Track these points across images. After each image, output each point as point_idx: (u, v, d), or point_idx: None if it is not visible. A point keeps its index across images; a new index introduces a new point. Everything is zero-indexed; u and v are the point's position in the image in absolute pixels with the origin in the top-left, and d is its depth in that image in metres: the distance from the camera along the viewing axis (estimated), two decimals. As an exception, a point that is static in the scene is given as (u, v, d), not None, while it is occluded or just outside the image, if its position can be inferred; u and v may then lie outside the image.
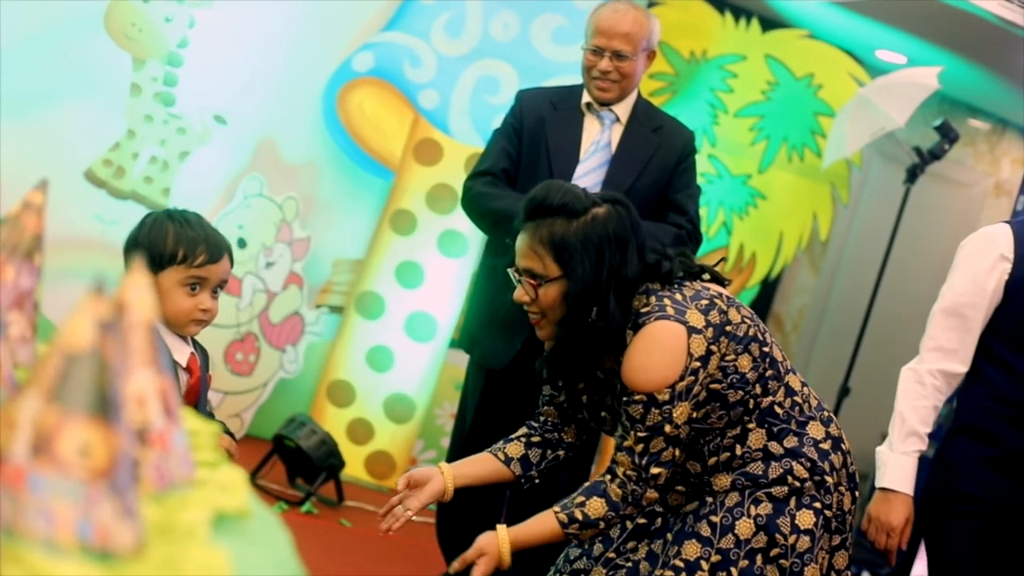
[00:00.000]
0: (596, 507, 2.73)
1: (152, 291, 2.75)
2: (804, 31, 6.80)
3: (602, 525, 2.75)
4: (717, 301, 2.74)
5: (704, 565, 2.75)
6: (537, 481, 3.08)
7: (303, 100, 6.08)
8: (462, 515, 4.41)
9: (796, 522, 2.76)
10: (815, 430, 2.83)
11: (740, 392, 2.74)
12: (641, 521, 2.96)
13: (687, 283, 2.78)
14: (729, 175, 6.75)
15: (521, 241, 2.77)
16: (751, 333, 2.76)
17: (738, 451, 2.78)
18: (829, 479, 2.81)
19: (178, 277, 2.76)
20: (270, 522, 1.26)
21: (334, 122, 6.06)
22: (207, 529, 1.10)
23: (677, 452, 2.70)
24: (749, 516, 2.77)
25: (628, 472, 2.70)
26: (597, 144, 4.17)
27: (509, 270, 2.85)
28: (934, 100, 7.13)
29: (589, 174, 4.12)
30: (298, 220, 5.99)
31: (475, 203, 4.20)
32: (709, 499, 2.82)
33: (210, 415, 2.98)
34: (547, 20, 6.19)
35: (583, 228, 2.70)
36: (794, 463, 2.78)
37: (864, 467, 7.54)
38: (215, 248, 2.81)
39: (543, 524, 2.79)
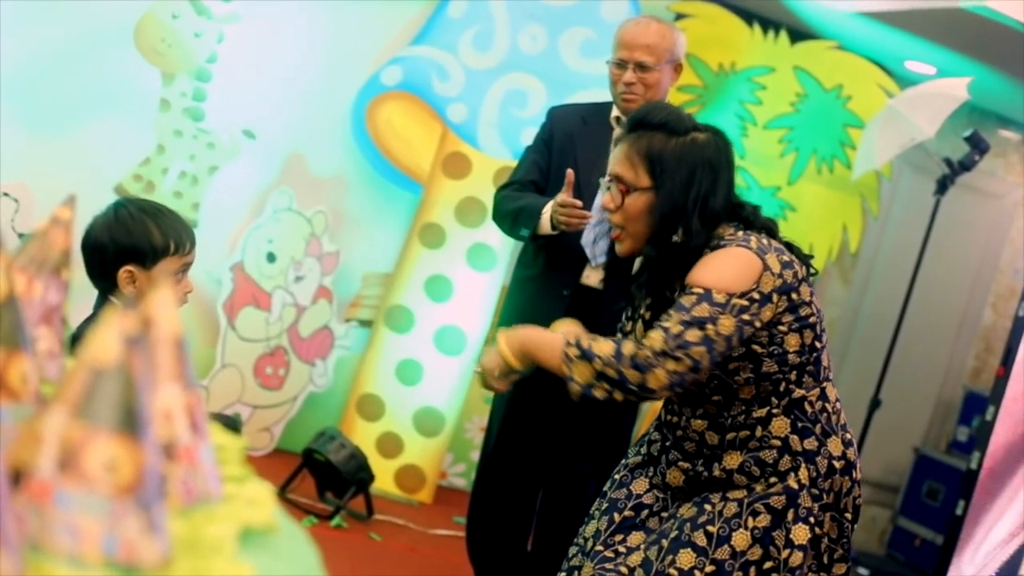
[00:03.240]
0: (603, 347, 2.68)
1: (147, 286, 2.78)
2: (833, 42, 6.78)
3: (597, 365, 2.66)
4: (795, 267, 2.76)
5: (698, 575, 2.74)
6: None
7: (332, 114, 6.09)
8: (492, 529, 4.41)
9: (791, 536, 2.75)
10: (835, 446, 2.81)
11: (775, 366, 2.73)
12: (628, 514, 2.94)
13: (774, 239, 2.81)
14: (758, 187, 6.73)
15: (618, 150, 2.82)
16: (811, 321, 2.76)
17: (758, 433, 2.77)
18: (827, 498, 2.80)
19: (171, 268, 2.80)
20: (297, 537, 1.25)
21: (363, 136, 6.08)
22: (234, 544, 1.09)
23: (709, 359, 2.64)
24: (746, 528, 2.75)
25: (653, 343, 2.63)
26: (625, 157, 4.18)
27: (601, 180, 2.88)
28: (964, 111, 7.09)
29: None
30: (327, 234, 6.00)
31: (497, 208, 4.25)
32: (708, 507, 2.80)
33: None
34: (575, 33, 6.19)
35: (680, 147, 2.75)
36: (804, 464, 2.77)
37: (895, 480, 7.53)
38: (192, 233, 2.88)
39: (550, 337, 2.82)
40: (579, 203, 3.76)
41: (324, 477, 5.40)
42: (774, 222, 2.88)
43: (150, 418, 1.03)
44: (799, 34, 6.81)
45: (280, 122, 6.02)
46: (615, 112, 4.24)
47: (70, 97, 5.66)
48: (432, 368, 6.05)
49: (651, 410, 6.10)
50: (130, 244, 2.77)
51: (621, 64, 4.14)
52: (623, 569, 2.85)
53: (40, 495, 0.97)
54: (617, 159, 2.81)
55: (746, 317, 2.66)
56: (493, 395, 4.48)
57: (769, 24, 6.76)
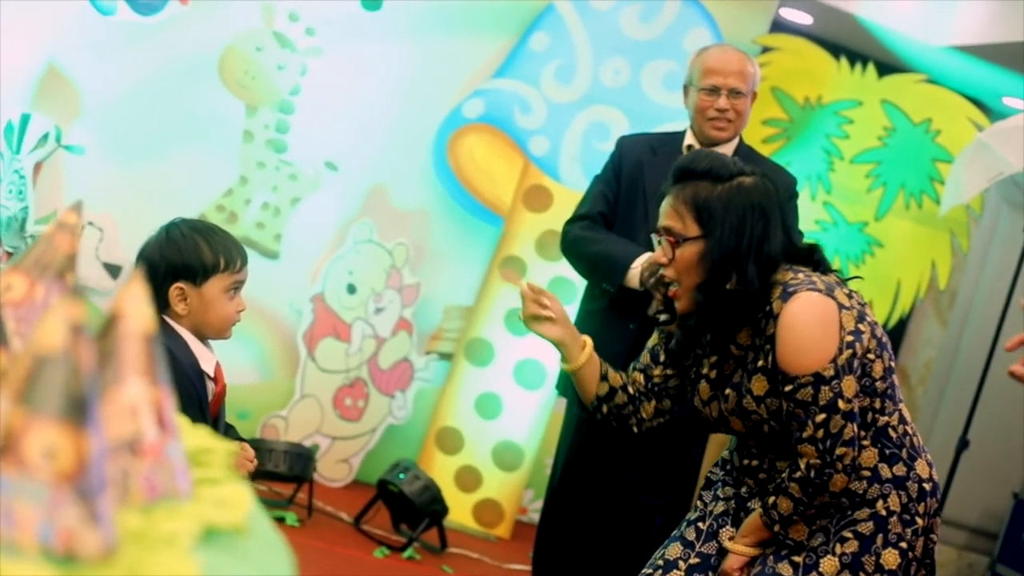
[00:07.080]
0: (785, 505, 2.73)
1: (198, 303, 2.81)
2: (922, 76, 6.66)
3: (796, 519, 2.75)
4: (855, 295, 2.76)
5: None
6: (597, 417, 3.04)
7: (414, 147, 6.11)
8: (558, 563, 4.36)
9: (881, 561, 2.72)
10: (922, 468, 2.80)
11: (867, 399, 2.72)
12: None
13: (830, 273, 2.80)
14: (845, 222, 6.63)
15: (665, 203, 2.80)
16: (884, 340, 2.77)
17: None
18: (919, 521, 2.76)
19: (222, 285, 2.85)
20: (271, 542, 1.23)
21: (444, 169, 6.09)
22: (191, 540, 1.07)
23: (856, 428, 2.67)
24: (834, 554, 2.73)
25: (812, 461, 2.66)
26: (695, 187, 4.14)
27: (652, 235, 2.86)
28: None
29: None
30: (408, 266, 6.01)
31: (572, 247, 4.22)
32: (789, 540, 2.76)
33: (228, 425, 3.03)
34: (658, 66, 6.15)
35: (727, 192, 2.72)
36: (894, 492, 2.75)
37: (993, 526, 7.32)
38: (244, 252, 2.93)
39: (756, 524, 2.82)
40: None
41: (398, 509, 5.39)
42: (827, 261, 2.85)
43: (98, 407, 1.02)
44: (887, 67, 6.71)
45: (362, 154, 6.05)
46: (687, 141, 4.20)
47: (155, 129, 5.74)
48: (512, 402, 6.02)
49: (719, 439, 6.00)
50: (180, 262, 2.82)
51: (713, 90, 4.09)
52: None
53: (-23, 481, 0.95)
54: (664, 211, 2.80)
55: (856, 364, 2.66)
56: (563, 425, 4.44)
57: (856, 57, 6.67)
